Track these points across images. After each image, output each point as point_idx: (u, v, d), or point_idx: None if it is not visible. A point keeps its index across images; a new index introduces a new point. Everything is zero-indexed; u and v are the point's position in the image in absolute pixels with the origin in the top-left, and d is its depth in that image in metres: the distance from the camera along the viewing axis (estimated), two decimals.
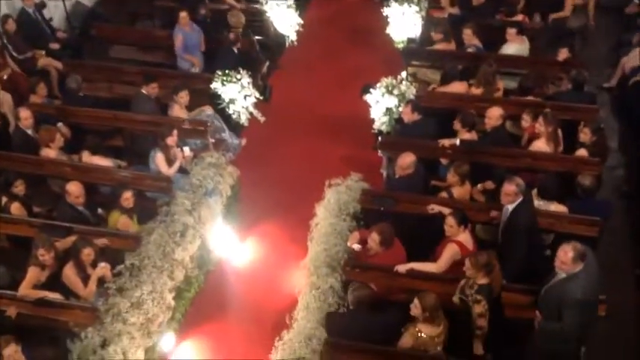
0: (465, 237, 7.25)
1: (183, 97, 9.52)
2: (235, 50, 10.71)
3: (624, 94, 10.97)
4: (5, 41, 10.64)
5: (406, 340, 6.41)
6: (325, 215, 7.94)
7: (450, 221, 7.23)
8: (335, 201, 8.06)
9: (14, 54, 10.60)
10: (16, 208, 8.02)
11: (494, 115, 8.69)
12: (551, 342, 6.44)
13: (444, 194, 8.14)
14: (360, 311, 6.64)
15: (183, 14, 10.71)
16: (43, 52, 10.83)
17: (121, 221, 7.95)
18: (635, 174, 9.68)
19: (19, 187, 8.18)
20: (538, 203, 7.76)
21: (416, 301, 6.30)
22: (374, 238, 7.16)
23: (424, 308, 6.25)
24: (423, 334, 6.33)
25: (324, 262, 7.41)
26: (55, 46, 11.20)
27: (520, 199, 7.20)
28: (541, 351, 6.53)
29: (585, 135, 8.62)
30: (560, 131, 8.79)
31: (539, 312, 6.56)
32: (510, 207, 7.25)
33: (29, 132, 8.91)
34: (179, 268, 7.60)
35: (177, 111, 9.53)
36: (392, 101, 9.34)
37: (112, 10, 12.42)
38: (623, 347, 7.67)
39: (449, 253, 7.20)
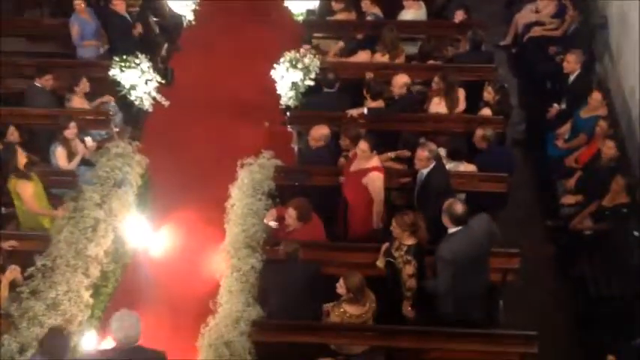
0: (376, 160, 7.48)
1: (82, 86, 9.16)
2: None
3: (521, 50, 11.29)
4: None
5: (333, 321, 6.47)
6: (240, 196, 7.86)
7: (364, 146, 7.37)
8: (249, 181, 7.99)
9: None
10: None
11: (397, 83, 8.79)
12: (431, 298, 6.65)
13: (342, 160, 8.21)
14: (293, 263, 6.68)
15: (77, 1, 10.08)
16: None
17: (19, 185, 7.64)
18: (536, 128, 9.99)
19: None
20: (449, 165, 7.93)
21: (341, 281, 6.33)
22: (291, 214, 7.15)
23: (348, 289, 6.28)
24: (348, 314, 6.39)
25: (243, 244, 7.35)
26: None
27: (434, 164, 7.38)
28: (453, 309, 6.69)
29: (489, 94, 8.84)
30: (460, 90, 8.98)
31: None
32: (425, 171, 7.42)
33: None
34: (94, 264, 7.37)
35: (77, 102, 9.16)
36: (297, 75, 9.27)
37: None
38: (537, 298, 7.99)
39: (379, 182, 7.42)
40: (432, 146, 7.44)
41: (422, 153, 7.36)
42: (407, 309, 6.70)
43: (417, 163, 7.47)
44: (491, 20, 11.15)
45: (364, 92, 8.80)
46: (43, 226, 7.86)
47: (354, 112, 8.75)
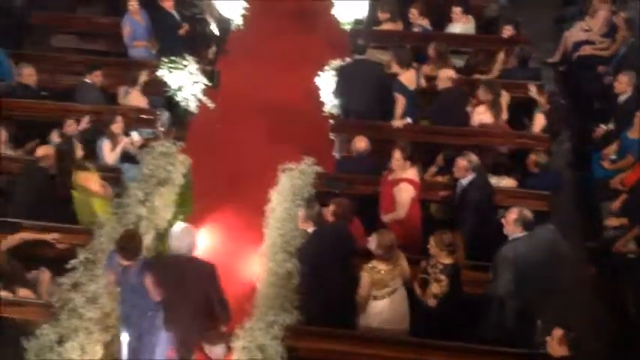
0: (412, 172, 7.44)
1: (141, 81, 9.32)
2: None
3: (570, 68, 11.16)
4: None
5: (364, 279, 6.50)
6: (280, 201, 7.90)
7: (397, 155, 7.34)
8: (289, 186, 8.02)
9: None
10: None
11: (442, 76, 8.82)
12: (489, 303, 6.61)
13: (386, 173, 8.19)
14: (322, 227, 6.77)
15: (132, 2, 10.22)
16: None
17: (82, 177, 7.66)
18: (581, 148, 9.86)
19: None
20: (491, 181, 7.86)
21: (373, 236, 6.45)
22: (330, 210, 7.11)
23: (379, 244, 6.38)
24: (375, 269, 6.44)
25: (281, 248, 7.37)
26: None
27: (473, 175, 7.35)
28: (492, 326, 6.65)
29: (542, 96, 8.76)
30: (504, 100, 8.89)
31: None
32: (465, 181, 7.41)
33: None
34: None
35: (135, 97, 9.30)
36: None
37: None
38: (575, 320, 7.82)
39: (405, 194, 7.33)
40: (473, 157, 7.40)
41: (461, 161, 7.38)
42: None
43: (456, 172, 7.50)
44: (540, 37, 11.04)
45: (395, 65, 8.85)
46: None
47: (398, 122, 8.73)
